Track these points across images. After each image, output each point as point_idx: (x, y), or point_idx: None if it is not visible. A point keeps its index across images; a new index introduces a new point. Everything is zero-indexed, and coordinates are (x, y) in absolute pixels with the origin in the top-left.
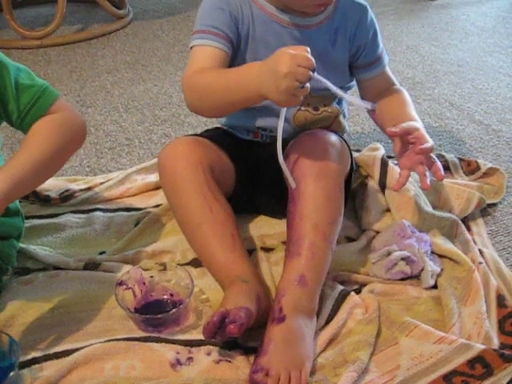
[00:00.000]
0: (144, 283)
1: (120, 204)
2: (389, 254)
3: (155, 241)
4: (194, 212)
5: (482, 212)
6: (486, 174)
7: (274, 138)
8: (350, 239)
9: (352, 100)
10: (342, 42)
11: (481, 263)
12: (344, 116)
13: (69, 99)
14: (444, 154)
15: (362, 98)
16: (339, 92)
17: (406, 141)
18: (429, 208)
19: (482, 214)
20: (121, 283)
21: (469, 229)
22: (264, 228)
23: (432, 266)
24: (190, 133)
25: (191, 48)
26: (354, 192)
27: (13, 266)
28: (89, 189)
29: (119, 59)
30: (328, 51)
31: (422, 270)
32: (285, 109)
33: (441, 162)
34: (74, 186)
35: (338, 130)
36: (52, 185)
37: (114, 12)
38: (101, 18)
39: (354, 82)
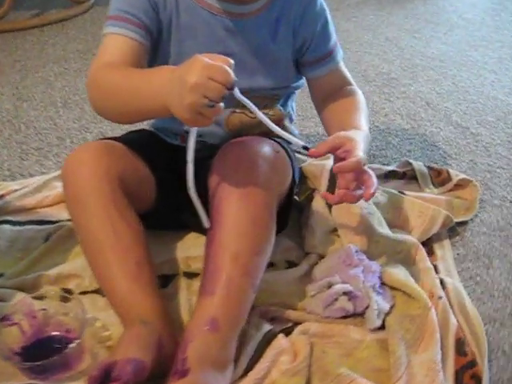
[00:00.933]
0: (35, 317)
1: (32, 215)
2: (330, 286)
3: (62, 262)
4: (95, 233)
5: (449, 231)
6: (458, 186)
7: (204, 144)
8: (290, 263)
9: (279, 132)
10: (285, 34)
11: (440, 298)
12: (290, 120)
13: (5, 92)
14: (411, 161)
15: (312, 99)
16: (265, 119)
17: (337, 156)
18: (383, 229)
19: (450, 235)
20: (4, 318)
21: (432, 252)
22: (191, 249)
23: (379, 303)
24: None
25: (104, 36)
26: (301, 207)
27: None
28: (1, 197)
29: (70, 48)
30: (267, 45)
31: (368, 307)
32: (194, 129)
33: (408, 170)
34: None
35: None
36: None
37: None
38: (60, 3)
39: (303, 81)
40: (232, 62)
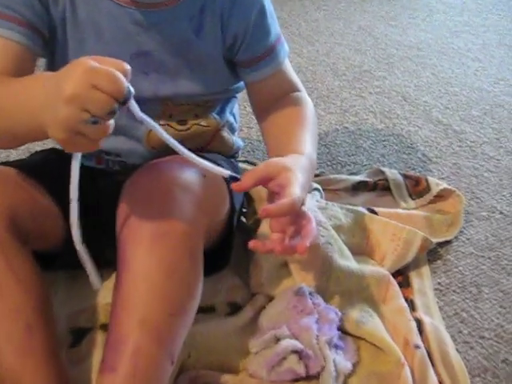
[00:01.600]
0: None
1: None
2: (277, 340)
3: None
4: None
5: (429, 254)
6: (439, 197)
7: (124, 165)
8: (234, 306)
9: (194, 160)
10: (211, 27)
11: (417, 347)
12: (231, 129)
13: None
14: (384, 169)
15: (252, 107)
16: (179, 148)
17: (269, 190)
18: (346, 261)
19: (430, 259)
20: None
21: (408, 284)
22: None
23: (338, 363)
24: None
25: None
26: (249, 231)
27: None
28: None
29: None
30: (190, 42)
31: (323, 368)
32: (77, 157)
33: (380, 180)
34: None
35: (223, 150)
36: None
37: None
38: None
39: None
40: (128, 67)
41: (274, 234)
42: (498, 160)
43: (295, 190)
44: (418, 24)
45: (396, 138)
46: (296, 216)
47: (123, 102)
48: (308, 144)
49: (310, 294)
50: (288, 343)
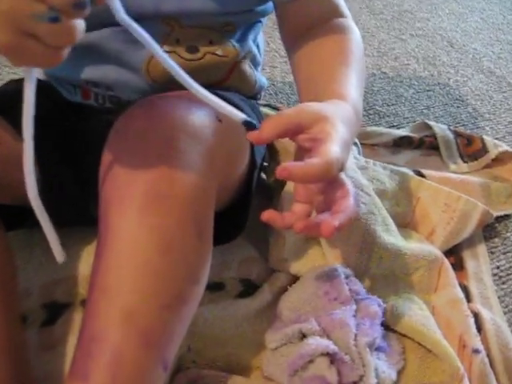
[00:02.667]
0: None
1: None
2: (302, 336)
3: None
4: None
5: (485, 231)
6: (497, 161)
7: (118, 101)
8: (247, 284)
9: (214, 102)
10: None
11: (477, 352)
12: (254, 62)
13: None
14: (431, 124)
15: (281, 35)
16: (185, 78)
17: (300, 145)
18: (391, 236)
19: (486, 236)
20: None
21: (461, 266)
22: None
23: (381, 371)
24: None
25: None
26: (271, 191)
27: None
28: None
29: None
30: None
31: (361, 378)
32: (33, 74)
33: (427, 137)
34: None
35: (242, 87)
36: None
37: None
38: None
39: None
40: None
41: (296, 205)
42: None
43: (334, 147)
44: None
45: (442, 89)
46: (329, 184)
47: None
48: (353, 87)
49: (347, 277)
50: (317, 342)
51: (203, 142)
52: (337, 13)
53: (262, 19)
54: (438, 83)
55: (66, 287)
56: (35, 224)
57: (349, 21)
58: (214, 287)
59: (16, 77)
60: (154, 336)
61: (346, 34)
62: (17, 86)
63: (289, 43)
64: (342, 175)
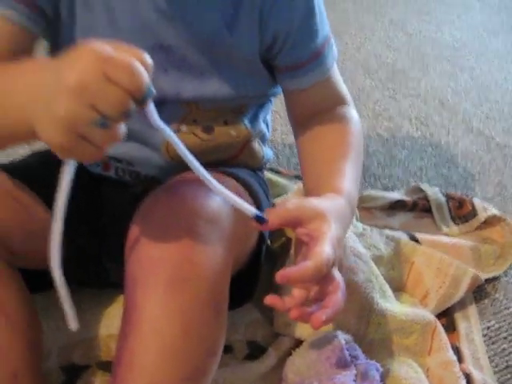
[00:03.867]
0: None
1: None
2: None
3: None
4: None
5: (475, 292)
6: (486, 223)
7: (137, 176)
8: (254, 347)
9: (213, 185)
10: (248, 23)
11: None
12: (263, 139)
13: None
14: (424, 187)
15: (289, 117)
16: (203, 174)
17: (297, 236)
18: (388, 302)
19: (476, 297)
20: None
21: (453, 328)
22: (117, 319)
23: None
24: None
25: None
26: (275, 256)
27: None
28: None
29: None
30: (221, 37)
31: None
32: (71, 165)
33: (419, 199)
34: None
35: (251, 162)
36: None
37: None
38: None
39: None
40: (149, 60)
41: (296, 290)
42: None
43: (326, 248)
44: (454, 21)
45: (434, 149)
46: (323, 277)
47: (141, 101)
48: (349, 179)
49: (347, 343)
50: None
51: (221, 226)
52: (339, 101)
53: (271, 99)
54: (431, 144)
55: (84, 350)
56: (52, 287)
57: (350, 109)
58: (223, 350)
59: None
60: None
61: (347, 125)
62: (40, 159)
63: (295, 126)
64: (335, 271)
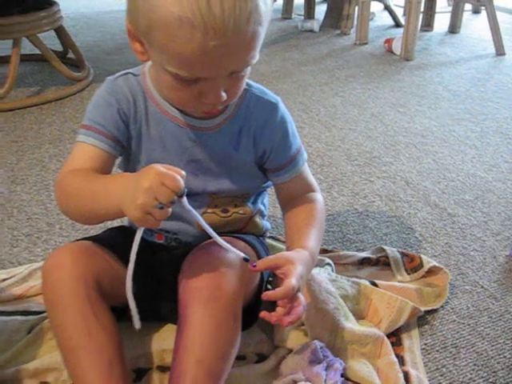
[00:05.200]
0: None
1: (18, 306)
2: (295, 383)
3: (42, 355)
4: (70, 334)
5: (419, 320)
6: (430, 272)
7: (180, 242)
8: (260, 356)
9: (224, 245)
10: (246, 143)
11: None
12: (262, 215)
13: (2, 173)
14: (386, 248)
15: (277, 200)
16: (210, 232)
17: (275, 274)
18: (350, 323)
19: (419, 323)
20: None
21: (400, 343)
22: (167, 340)
23: None
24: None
25: (75, 143)
26: None
27: None
28: None
29: (66, 127)
30: (230, 154)
31: None
32: (141, 230)
33: (382, 257)
34: None
35: (254, 231)
36: None
37: (69, 74)
38: (60, 80)
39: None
40: (183, 173)
41: (278, 308)
42: (483, 241)
43: (292, 280)
44: (425, 111)
45: (398, 220)
46: (292, 298)
47: (180, 195)
48: (312, 240)
49: (321, 348)
50: None
51: (235, 269)
52: (309, 189)
53: (266, 189)
54: (395, 215)
55: (146, 358)
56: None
57: (317, 194)
58: (239, 358)
59: None
60: (214, 373)
61: (314, 205)
62: (113, 232)
63: (282, 205)
64: (299, 294)
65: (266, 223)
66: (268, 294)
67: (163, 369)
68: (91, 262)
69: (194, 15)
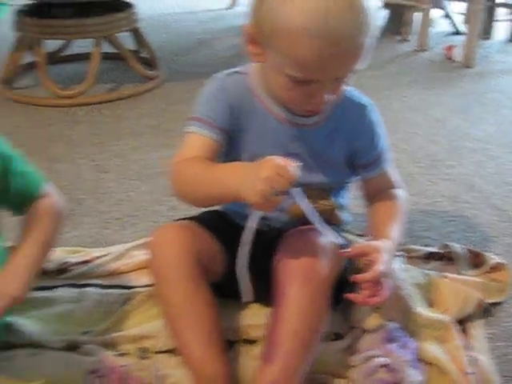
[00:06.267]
0: (117, 372)
1: (113, 280)
2: (371, 358)
3: (140, 324)
4: (175, 303)
5: (484, 312)
6: (493, 269)
7: (269, 227)
8: (337, 335)
9: (321, 229)
10: (340, 142)
11: (469, 373)
12: (343, 208)
13: (87, 162)
14: (451, 244)
15: (362, 194)
16: (312, 216)
17: (363, 262)
18: (421, 309)
19: (485, 315)
20: (93, 371)
21: (466, 331)
22: (252, 318)
23: (412, 376)
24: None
25: (187, 133)
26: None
27: None
28: (85, 262)
29: (143, 122)
30: (324, 150)
31: (403, 379)
32: (257, 214)
33: (446, 252)
34: (72, 259)
35: (337, 223)
36: (52, 256)
37: (144, 73)
38: (134, 78)
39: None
40: (298, 165)
41: (363, 291)
42: None
43: (379, 267)
44: (487, 119)
45: (461, 219)
46: (377, 282)
47: (293, 186)
48: (396, 232)
49: (395, 329)
50: (379, 360)
51: (330, 255)
52: (393, 185)
53: (349, 184)
54: (459, 215)
55: (233, 331)
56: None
57: (400, 191)
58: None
59: None
60: (306, 345)
61: (396, 200)
62: (210, 214)
63: (366, 199)
64: (384, 280)
65: (347, 216)
66: (357, 277)
67: (249, 342)
68: (194, 240)
69: (314, 27)
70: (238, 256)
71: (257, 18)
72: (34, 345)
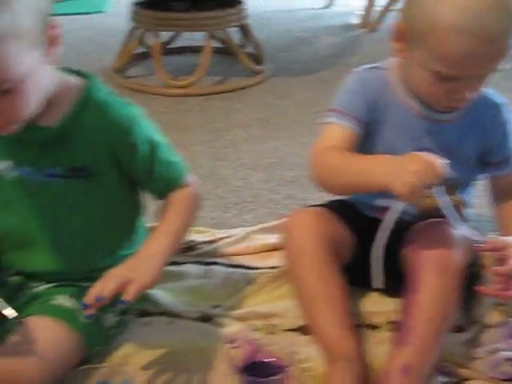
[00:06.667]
0: (251, 344)
1: (238, 261)
2: (496, 351)
3: (268, 302)
4: (310, 286)
5: None
6: None
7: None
8: (458, 328)
9: (457, 224)
10: (472, 139)
11: None
12: (467, 205)
13: (202, 150)
14: None
15: (489, 192)
16: (450, 212)
17: (496, 257)
18: None
19: None
20: (231, 341)
21: None
22: (374, 305)
23: None
24: (314, 196)
25: (325, 123)
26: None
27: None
28: (211, 242)
29: (251, 115)
30: (457, 146)
31: None
32: (401, 205)
33: None
34: (198, 238)
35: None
36: None
37: (252, 67)
38: (240, 72)
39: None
40: (446, 162)
41: (494, 284)
42: None
43: None
44: None
45: None
46: (510, 277)
47: (440, 183)
48: None
49: None
50: (505, 354)
51: (463, 247)
52: None
53: (476, 181)
54: None
55: (356, 316)
56: None
57: None
58: None
59: None
60: (439, 331)
61: None
62: (338, 203)
63: (493, 197)
64: None
65: (468, 213)
66: (495, 269)
67: (371, 327)
68: (328, 225)
69: (469, 26)
70: (374, 244)
71: (412, 16)
72: (170, 314)
